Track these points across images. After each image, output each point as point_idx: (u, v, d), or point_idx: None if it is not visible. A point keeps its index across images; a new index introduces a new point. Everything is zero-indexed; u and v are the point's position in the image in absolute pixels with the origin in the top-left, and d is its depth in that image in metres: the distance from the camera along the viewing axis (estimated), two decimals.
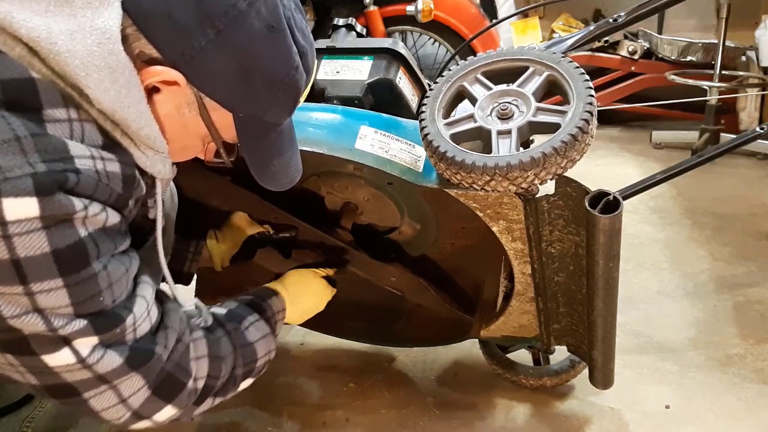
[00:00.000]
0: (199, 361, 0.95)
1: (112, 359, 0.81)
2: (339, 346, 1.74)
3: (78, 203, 0.73)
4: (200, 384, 0.95)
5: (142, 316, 0.85)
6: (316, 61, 0.94)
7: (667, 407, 1.49)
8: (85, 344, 0.78)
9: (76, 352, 0.78)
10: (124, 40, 0.77)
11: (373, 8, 2.95)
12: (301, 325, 1.72)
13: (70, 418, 1.15)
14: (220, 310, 1.07)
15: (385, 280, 1.50)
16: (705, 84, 3.17)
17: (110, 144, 0.79)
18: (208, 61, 0.79)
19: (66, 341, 0.77)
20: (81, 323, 0.77)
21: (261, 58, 0.81)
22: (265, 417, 1.51)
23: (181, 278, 1.40)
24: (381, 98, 1.35)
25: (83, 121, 0.76)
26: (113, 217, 0.79)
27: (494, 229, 1.20)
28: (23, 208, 0.69)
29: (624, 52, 3.51)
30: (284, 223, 1.44)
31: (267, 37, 0.81)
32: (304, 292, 1.26)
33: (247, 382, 1.05)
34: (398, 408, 1.53)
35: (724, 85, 3.16)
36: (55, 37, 0.72)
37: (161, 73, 0.79)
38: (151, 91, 0.81)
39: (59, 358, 0.78)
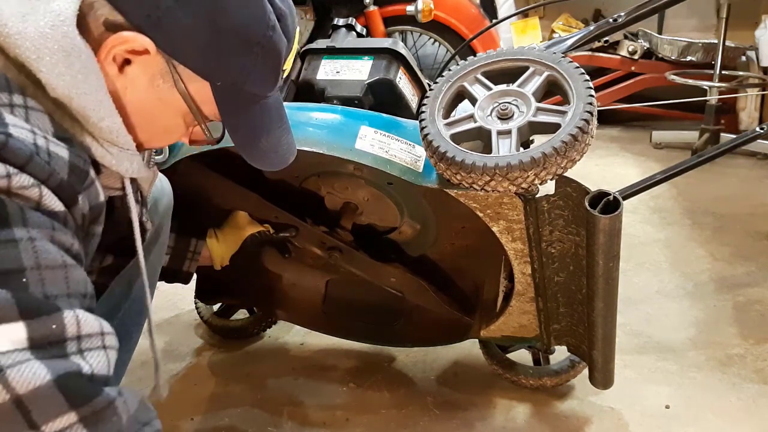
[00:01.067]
0: None
1: (37, 372, 0.59)
2: (339, 346, 1.74)
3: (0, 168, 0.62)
4: None
5: (92, 330, 0.65)
6: (297, 29, 0.88)
7: (667, 407, 1.49)
8: (3, 333, 0.58)
9: None
10: (89, 7, 0.73)
11: (373, 8, 2.96)
12: (301, 325, 1.73)
13: None
14: None
15: (384, 280, 1.50)
16: (705, 84, 3.17)
17: (63, 137, 0.71)
18: (175, 21, 0.74)
19: None
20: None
21: (232, 14, 0.76)
22: (265, 417, 1.51)
23: (181, 277, 1.40)
24: (381, 98, 1.35)
25: (30, 109, 0.69)
26: (52, 201, 0.66)
27: (494, 229, 1.20)
28: None
29: (624, 52, 3.51)
30: (284, 223, 1.44)
31: None
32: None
33: None
34: (398, 408, 1.53)
35: (724, 85, 3.16)
36: (5, 19, 0.69)
37: (128, 39, 0.74)
38: (123, 65, 0.77)
39: None
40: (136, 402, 0.69)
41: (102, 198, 0.76)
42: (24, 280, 0.61)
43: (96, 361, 0.64)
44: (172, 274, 1.39)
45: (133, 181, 0.88)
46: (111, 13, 0.73)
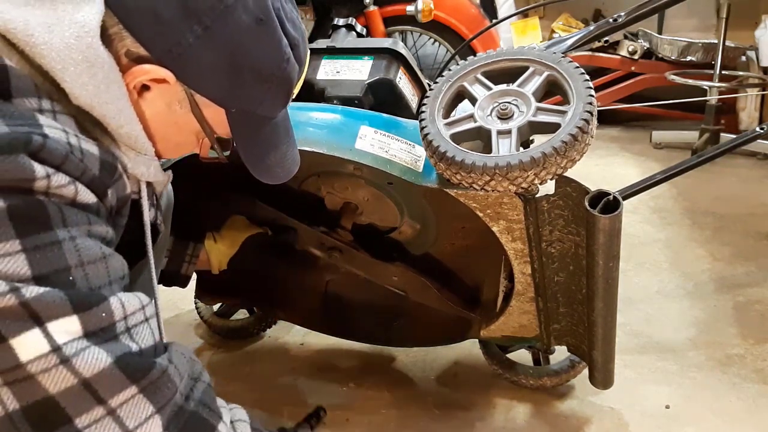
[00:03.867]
0: (240, 424, 0.84)
1: (98, 356, 0.67)
2: (339, 346, 1.74)
3: (39, 169, 0.66)
4: None
5: (136, 313, 0.73)
6: (308, 52, 0.91)
7: (667, 407, 1.49)
8: (61, 327, 0.65)
9: (48, 335, 0.65)
10: (110, 38, 0.76)
11: (373, 8, 2.96)
12: (301, 325, 1.73)
13: None
14: None
15: (386, 279, 1.50)
16: (705, 84, 3.17)
17: (89, 136, 0.75)
18: (196, 57, 0.77)
19: (36, 319, 0.64)
20: (48, 290, 0.65)
21: (250, 52, 0.80)
22: (265, 417, 1.51)
23: (179, 280, 1.40)
24: (381, 98, 1.35)
25: (57, 113, 0.72)
26: (86, 195, 0.71)
27: (494, 229, 1.20)
28: None
29: (624, 52, 3.51)
30: (283, 225, 1.44)
31: (256, 30, 0.79)
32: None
33: None
34: (398, 408, 1.53)
35: (724, 85, 3.16)
36: (32, 29, 0.71)
37: (149, 71, 0.77)
38: (142, 90, 0.80)
39: (29, 344, 0.64)
40: (185, 361, 0.78)
41: (128, 190, 0.81)
42: (71, 278, 0.67)
43: (142, 337, 0.73)
44: (170, 276, 1.38)
45: (148, 185, 0.90)
46: (133, 45, 0.77)
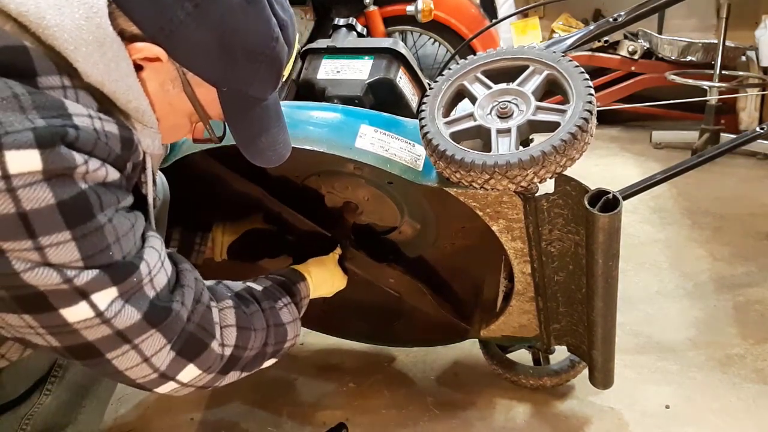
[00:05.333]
0: (226, 329, 0.96)
1: (131, 314, 0.81)
2: (339, 346, 1.74)
3: (78, 157, 0.73)
4: (227, 351, 0.95)
5: (156, 265, 0.85)
6: (297, 35, 0.94)
7: (667, 407, 1.49)
8: (103, 297, 0.78)
9: (93, 305, 0.78)
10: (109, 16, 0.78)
11: (373, 8, 2.95)
12: (301, 324, 1.73)
13: (68, 415, 1.15)
14: (256, 286, 1.09)
15: (383, 280, 1.50)
16: (705, 84, 3.17)
17: (105, 110, 0.80)
18: (187, 34, 0.80)
19: (83, 294, 0.77)
20: (95, 273, 0.77)
21: (240, 29, 0.82)
22: (265, 417, 1.51)
23: None
24: (381, 98, 1.36)
25: (77, 88, 0.77)
26: (113, 174, 0.78)
27: (494, 228, 1.19)
28: (26, 160, 0.69)
29: (624, 52, 3.51)
30: (290, 223, 1.44)
31: (245, 8, 0.81)
32: (324, 280, 1.28)
33: (271, 361, 1.08)
34: (398, 408, 1.53)
35: (724, 85, 3.16)
36: (43, 12, 0.73)
37: (143, 49, 0.80)
38: (136, 69, 0.82)
39: (77, 313, 0.77)
40: (191, 286, 0.91)
41: (141, 156, 0.86)
42: (110, 253, 0.78)
43: (158, 281, 0.85)
44: None
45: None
46: (126, 23, 0.79)
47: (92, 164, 0.75)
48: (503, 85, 1.16)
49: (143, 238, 0.85)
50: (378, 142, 1.18)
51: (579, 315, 1.31)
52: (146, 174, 0.91)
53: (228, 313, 0.97)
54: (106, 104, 0.80)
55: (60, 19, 0.74)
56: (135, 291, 0.82)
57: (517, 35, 3.37)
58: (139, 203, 0.89)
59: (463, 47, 2.10)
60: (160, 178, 1.25)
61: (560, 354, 1.54)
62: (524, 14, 3.80)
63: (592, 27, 1.63)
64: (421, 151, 1.20)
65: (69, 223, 0.73)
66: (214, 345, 0.93)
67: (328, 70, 1.39)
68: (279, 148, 0.98)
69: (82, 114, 0.75)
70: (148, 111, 0.84)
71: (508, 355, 1.58)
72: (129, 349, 0.84)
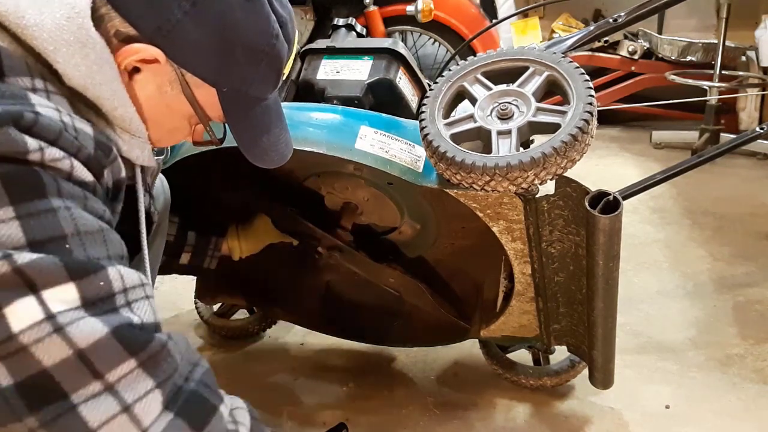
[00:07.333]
0: (240, 426, 0.76)
1: (94, 326, 0.64)
2: (339, 346, 1.74)
3: (32, 142, 0.64)
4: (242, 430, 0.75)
5: (135, 282, 0.70)
6: (296, 33, 0.91)
7: (667, 407, 1.49)
8: (57, 295, 0.63)
9: (42, 303, 0.62)
10: (99, 19, 0.75)
11: (373, 8, 2.95)
12: (301, 324, 1.73)
13: None
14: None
15: (383, 280, 1.50)
16: (705, 84, 3.17)
17: (83, 117, 0.74)
18: (185, 34, 0.77)
19: (30, 285, 0.62)
20: (43, 257, 0.63)
21: (239, 27, 0.79)
22: (265, 417, 1.50)
23: (201, 274, 1.41)
24: (381, 98, 1.35)
25: (51, 93, 0.72)
26: (82, 172, 0.69)
27: (494, 229, 1.20)
28: None
29: (624, 52, 3.51)
30: (309, 234, 1.44)
31: (244, 5, 0.79)
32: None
33: None
34: (398, 408, 1.53)
35: (724, 85, 3.16)
36: (23, 11, 0.71)
37: (140, 50, 0.77)
38: (132, 72, 0.80)
39: (22, 312, 0.61)
40: (184, 343, 0.74)
41: (123, 174, 0.79)
42: (67, 245, 0.65)
43: (143, 311, 0.70)
44: (192, 270, 1.43)
45: (142, 170, 0.90)
46: (122, 24, 0.76)
47: (51, 152, 0.66)
48: (503, 87, 1.16)
49: (120, 263, 0.71)
50: (378, 144, 1.18)
51: (579, 315, 1.31)
52: (138, 187, 0.87)
53: (242, 413, 0.78)
54: (89, 115, 0.76)
55: (40, 18, 0.71)
56: (104, 304, 0.66)
57: (517, 35, 3.37)
58: (126, 226, 0.81)
59: (463, 48, 2.10)
60: (161, 181, 1.23)
61: (560, 354, 1.54)
62: (524, 14, 3.80)
63: (592, 27, 1.63)
64: (421, 152, 1.20)
65: (13, 197, 0.63)
66: (224, 410, 0.74)
67: (327, 70, 1.39)
68: (281, 147, 0.96)
69: (47, 106, 0.68)
70: (135, 119, 0.80)
71: (508, 355, 1.58)
72: (101, 390, 0.64)
